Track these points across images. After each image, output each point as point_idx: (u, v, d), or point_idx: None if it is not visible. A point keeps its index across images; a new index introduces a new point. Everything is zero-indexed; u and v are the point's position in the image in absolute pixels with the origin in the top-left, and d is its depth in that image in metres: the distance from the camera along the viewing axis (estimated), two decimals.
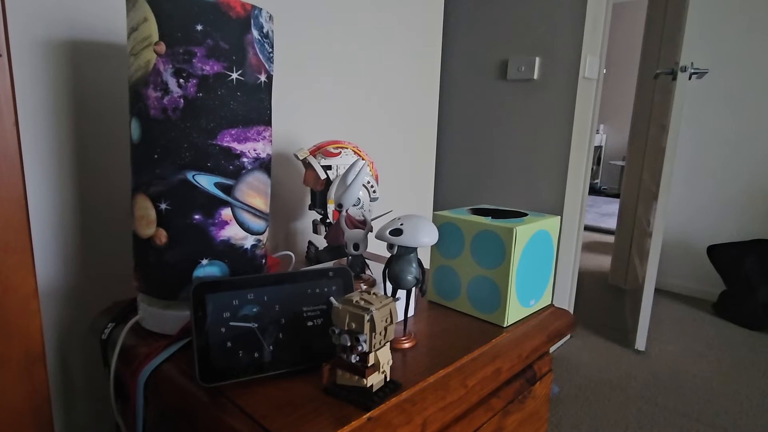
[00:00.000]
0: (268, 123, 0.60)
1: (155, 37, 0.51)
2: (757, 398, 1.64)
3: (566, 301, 1.97)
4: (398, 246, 0.56)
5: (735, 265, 2.27)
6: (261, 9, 0.56)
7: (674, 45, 1.90)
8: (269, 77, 0.60)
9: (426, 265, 1.43)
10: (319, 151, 0.84)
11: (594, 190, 5.96)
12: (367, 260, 0.76)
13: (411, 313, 0.67)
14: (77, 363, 0.76)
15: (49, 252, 0.71)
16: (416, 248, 0.57)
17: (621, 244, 2.74)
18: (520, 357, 0.60)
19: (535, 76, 1.75)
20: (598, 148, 5.90)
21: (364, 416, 0.44)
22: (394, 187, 1.35)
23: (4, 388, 0.47)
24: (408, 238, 0.55)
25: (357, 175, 0.67)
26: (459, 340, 0.60)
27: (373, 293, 0.48)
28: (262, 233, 0.62)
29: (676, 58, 1.79)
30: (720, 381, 1.75)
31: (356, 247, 0.67)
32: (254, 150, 0.58)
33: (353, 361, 0.46)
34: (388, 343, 0.48)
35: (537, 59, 1.74)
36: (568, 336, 2.10)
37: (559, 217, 0.98)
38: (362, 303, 0.45)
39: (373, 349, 0.45)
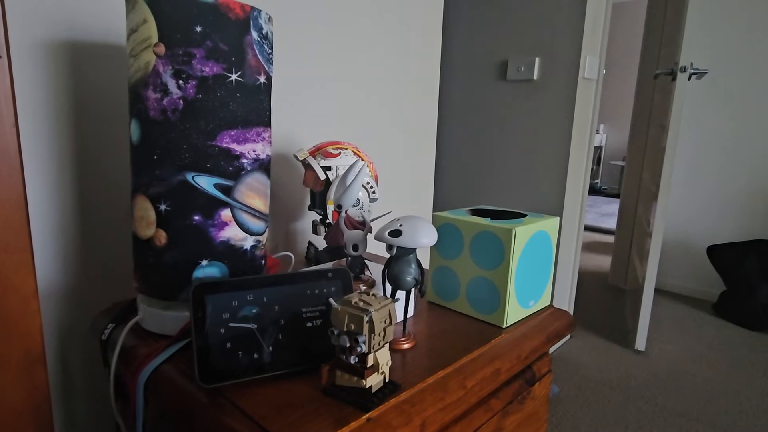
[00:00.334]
0: (267, 124, 0.60)
1: (155, 38, 0.51)
2: (757, 398, 1.64)
3: (566, 301, 1.97)
4: (397, 247, 0.56)
5: (735, 266, 2.27)
6: (260, 10, 0.56)
7: (674, 45, 1.90)
8: (268, 78, 0.60)
9: (425, 265, 1.43)
10: (318, 151, 0.84)
11: (594, 190, 5.96)
12: (366, 261, 0.76)
13: (410, 313, 0.67)
14: (77, 363, 0.76)
15: (49, 252, 0.71)
16: (415, 249, 0.57)
17: (621, 245, 2.74)
18: (519, 358, 0.60)
19: (535, 77, 1.75)
20: (598, 148, 5.90)
21: (363, 417, 0.44)
22: (393, 187, 1.35)
23: (4, 388, 0.47)
24: (407, 239, 0.55)
25: (356, 175, 0.67)
26: (458, 341, 0.60)
27: (372, 294, 0.48)
28: (261, 234, 0.62)
29: (675, 59, 1.79)
30: (720, 381, 1.75)
31: (355, 247, 0.67)
32: (254, 151, 0.58)
33: (352, 362, 0.46)
34: (387, 344, 0.48)
35: (537, 59, 1.74)
36: (568, 336, 2.10)
37: (558, 217, 0.98)
38: (361, 304, 0.45)
39: (372, 350, 0.45)
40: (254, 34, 0.56)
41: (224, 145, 0.55)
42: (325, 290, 0.54)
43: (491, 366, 0.56)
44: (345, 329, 0.45)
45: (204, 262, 0.56)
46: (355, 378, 0.46)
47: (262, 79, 0.58)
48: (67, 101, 0.70)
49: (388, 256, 0.75)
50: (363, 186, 0.82)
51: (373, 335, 0.44)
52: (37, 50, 0.67)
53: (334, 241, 0.84)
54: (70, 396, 0.76)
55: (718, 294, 2.51)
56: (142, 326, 0.61)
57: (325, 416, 0.43)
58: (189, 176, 0.54)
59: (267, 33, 0.58)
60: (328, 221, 0.85)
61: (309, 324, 0.52)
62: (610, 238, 3.85)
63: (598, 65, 1.78)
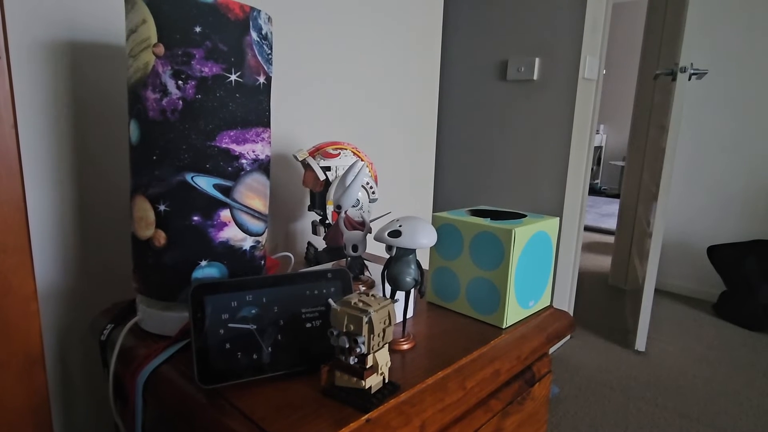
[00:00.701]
0: (267, 124, 0.60)
1: (154, 38, 0.51)
2: (757, 399, 1.64)
3: (566, 302, 1.97)
4: (397, 247, 0.56)
5: (735, 266, 2.27)
6: (260, 11, 0.56)
7: (674, 45, 1.90)
8: (268, 79, 0.60)
9: (425, 266, 1.43)
10: (318, 152, 0.84)
11: (594, 191, 5.96)
12: (365, 261, 0.76)
13: (410, 314, 0.67)
14: (76, 364, 0.76)
15: (49, 253, 0.71)
16: (415, 250, 0.57)
17: (621, 245, 2.74)
18: (519, 358, 0.60)
19: (535, 77, 1.75)
20: (598, 149, 5.90)
21: (363, 418, 0.44)
22: (393, 188, 1.35)
23: (3, 388, 0.47)
24: (406, 240, 0.55)
25: (356, 176, 0.67)
26: (458, 342, 0.60)
27: (372, 295, 0.48)
28: (261, 234, 0.62)
29: (675, 59, 1.79)
30: (720, 382, 1.75)
31: (355, 248, 0.67)
32: (253, 151, 0.58)
33: (352, 362, 0.46)
34: (387, 345, 0.48)
35: (537, 60, 1.74)
36: (568, 336, 2.09)
37: (558, 218, 0.98)
38: (361, 305, 0.45)
39: (371, 351, 0.45)
40: (254, 35, 0.56)
41: (223, 146, 0.55)
42: (324, 291, 0.54)
43: (491, 367, 0.56)
44: (344, 330, 0.45)
45: (203, 263, 0.56)
46: (355, 379, 0.46)
47: (262, 79, 0.58)
48: (66, 102, 0.70)
49: (387, 256, 0.75)
50: (362, 186, 0.82)
51: (372, 336, 0.44)
52: (37, 50, 0.66)
53: (333, 241, 0.84)
54: (70, 396, 0.76)
55: (718, 294, 2.51)
56: (142, 327, 0.61)
57: (325, 417, 0.43)
58: (188, 177, 0.54)
59: (266, 33, 0.58)
60: (327, 222, 0.85)
61: (308, 325, 0.52)
62: (610, 239, 3.85)
63: (598, 65, 1.78)
